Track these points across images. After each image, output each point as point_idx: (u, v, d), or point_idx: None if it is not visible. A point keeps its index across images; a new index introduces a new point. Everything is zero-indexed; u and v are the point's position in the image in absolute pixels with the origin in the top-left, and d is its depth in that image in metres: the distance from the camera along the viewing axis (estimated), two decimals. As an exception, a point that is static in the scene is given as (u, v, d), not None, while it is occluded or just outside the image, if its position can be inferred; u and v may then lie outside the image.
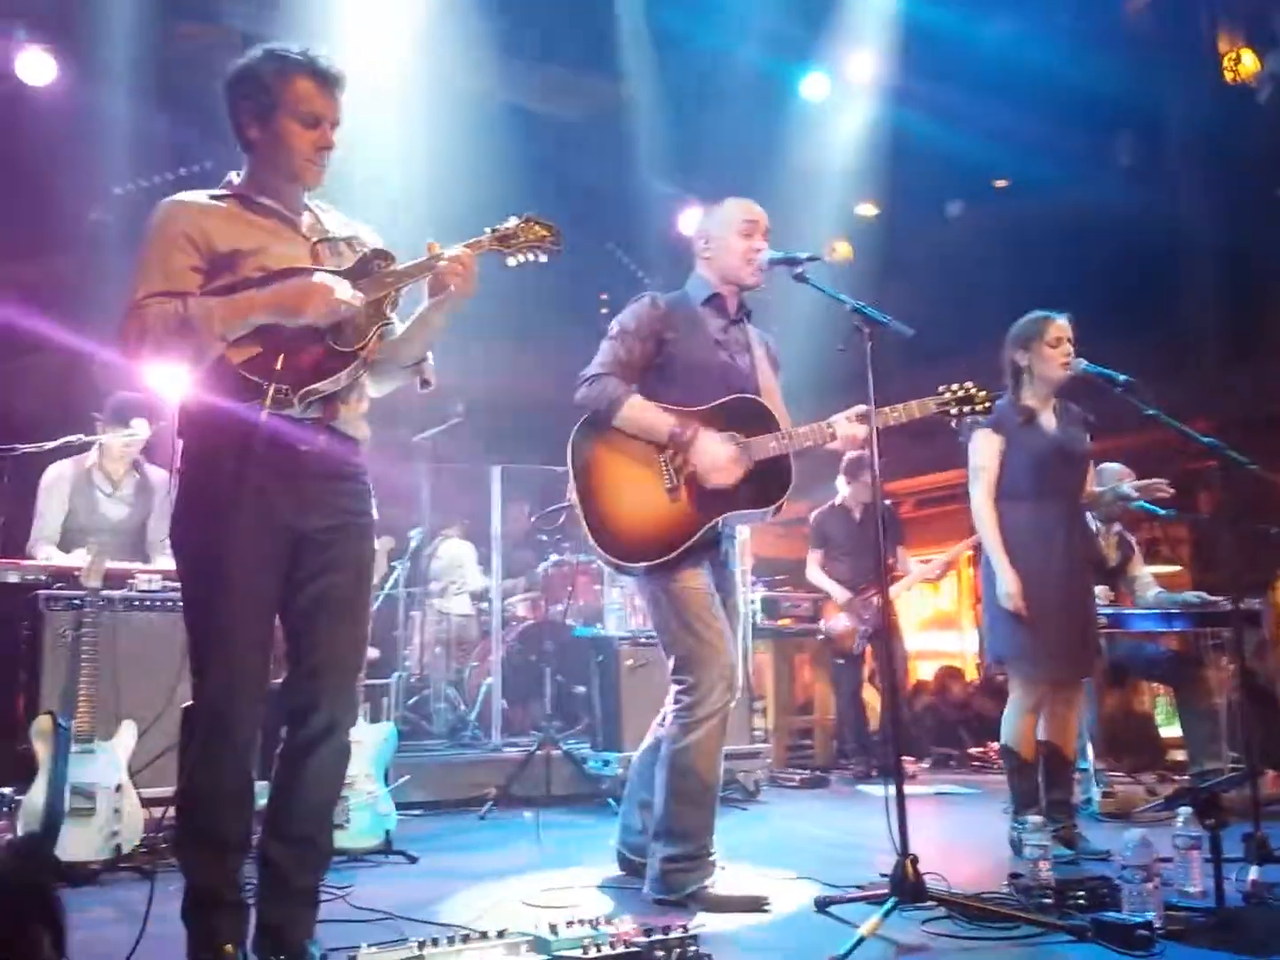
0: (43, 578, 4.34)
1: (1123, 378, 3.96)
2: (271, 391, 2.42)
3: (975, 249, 10.77)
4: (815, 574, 7.06)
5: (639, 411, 3.51)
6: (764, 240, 3.66)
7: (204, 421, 2.53)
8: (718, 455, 3.43)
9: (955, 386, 3.53)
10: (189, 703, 2.52)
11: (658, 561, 3.44)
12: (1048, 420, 4.29)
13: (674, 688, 3.52)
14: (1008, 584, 4.12)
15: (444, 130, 7.66)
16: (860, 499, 7.01)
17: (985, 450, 4.28)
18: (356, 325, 2.54)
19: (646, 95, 9.08)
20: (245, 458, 2.42)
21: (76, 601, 4.09)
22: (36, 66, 7.04)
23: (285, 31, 7.87)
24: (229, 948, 2.44)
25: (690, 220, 3.99)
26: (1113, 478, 5.56)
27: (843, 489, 7.13)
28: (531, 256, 2.72)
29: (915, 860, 2.95)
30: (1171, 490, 4.60)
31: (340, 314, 2.50)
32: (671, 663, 3.52)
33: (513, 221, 2.71)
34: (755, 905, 3.28)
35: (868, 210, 10.86)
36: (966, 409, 3.51)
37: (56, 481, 4.87)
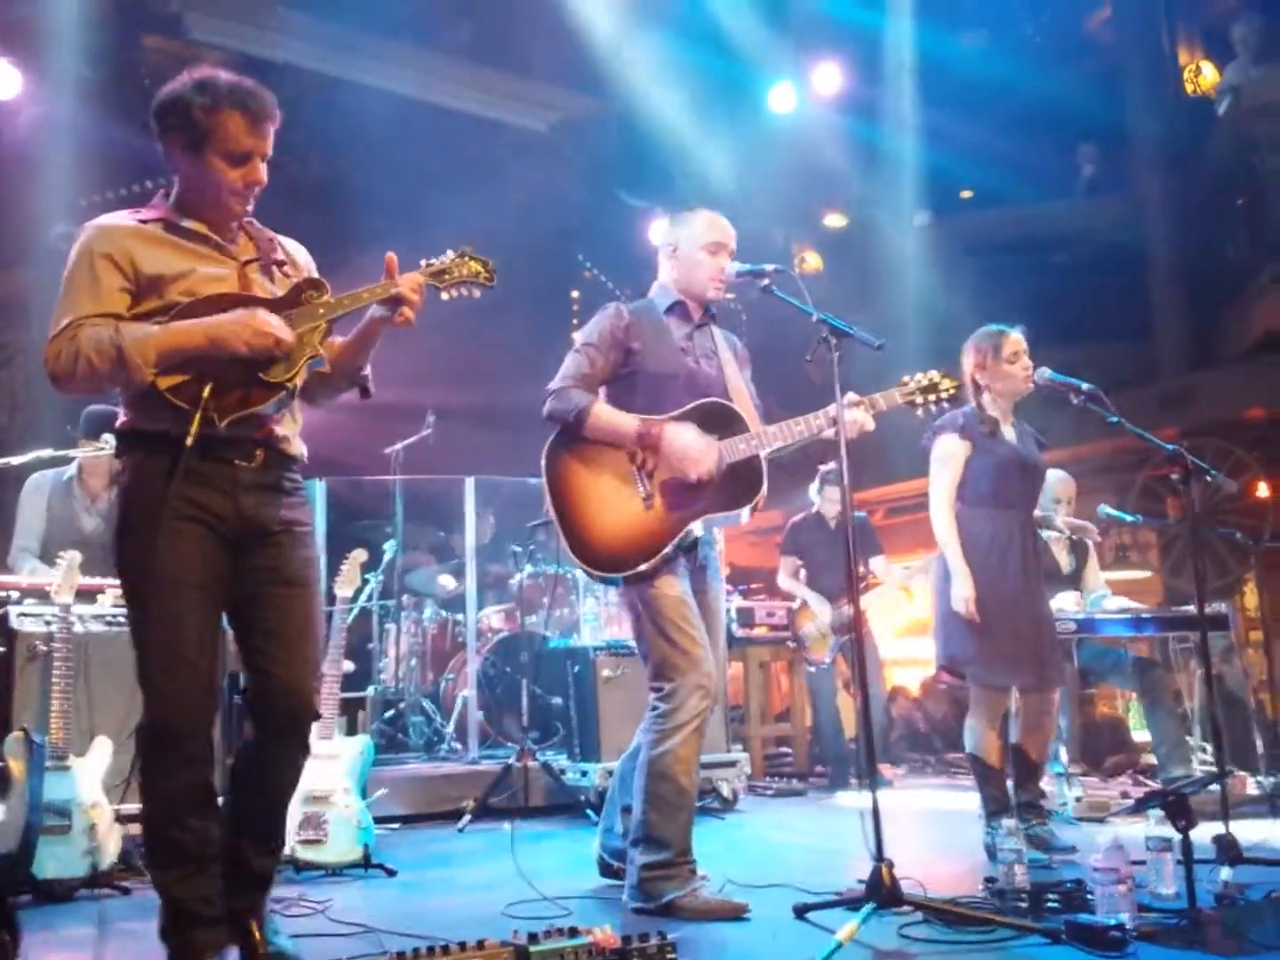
0: (14, 594, 4.31)
1: (1086, 386, 4.00)
2: (198, 419, 2.43)
3: (942, 259, 10.89)
4: (786, 581, 7.07)
5: (606, 417, 3.52)
6: (729, 258, 3.68)
7: (137, 443, 2.56)
8: (688, 444, 3.42)
9: (920, 375, 3.59)
10: (140, 721, 2.51)
11: (635, 571, 3.46)
12: (1008, 432, 4.29)
13: (651, 695, 3.52)
14: (964, 588, 4.09)
15: (412, 143, 7.68)
16: (834, 508, 7.04)
17: (950, 452, 4.26)
18: (287, 357, 2.54)
19: (613, 106, 9.11)
20: (179, 477, 2.44)
21: (48, 617, 4.06)
22: (1, 79, 7.01)
23: (252, 45, 7.93)
24: (208, 960, 2.44)
25: (658, 228, 3.99)
26: (1054, 483, 5.56)
27: (815, 498, 7.15)
28: (465, 291, 2.74)
29: (891, 866, 2.97)
30: (1099, 539, 4.60)
31: (275, 351, 2.50)
32: (649, 670, 3.53)
33: (448, 256, 2.73)
34: (734, 913, 3.28)
35: (836, 220, 10.95)
36: (931, 397, 3.56)
37: (34, 493, 4.90)
